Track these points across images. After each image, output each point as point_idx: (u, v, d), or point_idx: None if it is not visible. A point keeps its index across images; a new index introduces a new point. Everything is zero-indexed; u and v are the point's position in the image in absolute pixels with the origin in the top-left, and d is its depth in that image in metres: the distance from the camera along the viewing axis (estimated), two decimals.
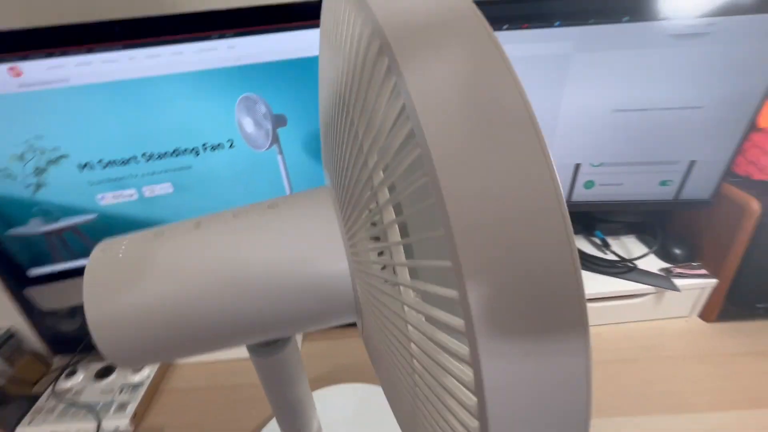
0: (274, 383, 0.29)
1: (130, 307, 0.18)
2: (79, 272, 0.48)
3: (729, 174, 0.50)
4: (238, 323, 0.19)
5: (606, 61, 0.44)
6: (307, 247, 0.19)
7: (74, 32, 0.36)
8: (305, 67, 0.43)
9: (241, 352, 0.54)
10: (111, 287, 0.18)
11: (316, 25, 0.41)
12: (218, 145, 0.45)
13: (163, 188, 0.46)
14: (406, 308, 0.15)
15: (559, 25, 0.42)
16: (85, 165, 0.43)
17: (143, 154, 0.44)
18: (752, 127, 0.46)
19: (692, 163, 0.50)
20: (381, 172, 0.14)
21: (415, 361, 0.15)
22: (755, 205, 0.49)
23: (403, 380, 0.16)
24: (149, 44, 0.38)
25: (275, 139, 0.47)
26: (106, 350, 0.19)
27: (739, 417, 0.45)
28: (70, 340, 0.60)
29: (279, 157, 0.48)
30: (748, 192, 0.50)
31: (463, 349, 0.11)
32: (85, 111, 0.40)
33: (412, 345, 0.14)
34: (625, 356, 0.53)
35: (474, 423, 0.12)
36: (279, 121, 0.45)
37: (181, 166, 0.45)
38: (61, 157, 0.41)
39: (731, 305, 0.54)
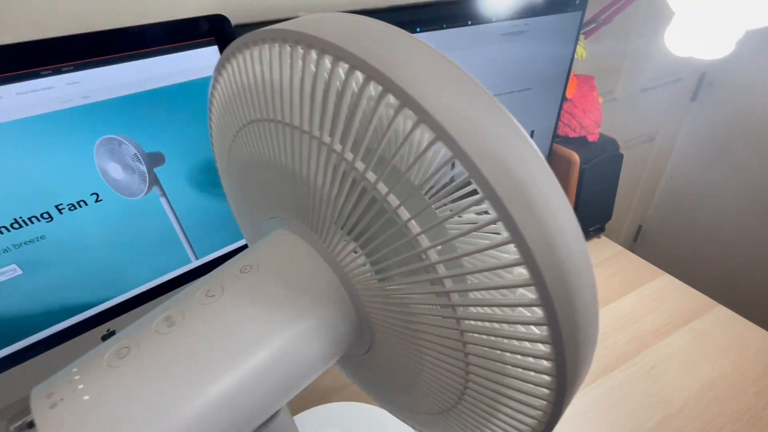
0: None
1: None
2: None
3: (555, 136, 0.65)
4: (252, 417, 0.17)
5: (459, 59, 0.50)
6: (313, 301, 0.18)
7: None
8: (175, 94, 0.38)
9: None
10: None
11: (184, 47, 0.36)
12: (78, 202, 0.37)
13: (6, 273, 0.35)
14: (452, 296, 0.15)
15: (420, 31, 0.47)
16: None
17: None
18: (563, 98, 0.60)
19: (532, 133, 0.62)
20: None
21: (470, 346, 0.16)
22: (575, 157, 0.64)
23: (446, 378, 0.18)
24: None
25: (153, 181, 0.40)
26: None
27: (600, 315, 0.60)
28: None
29: (162, 200, 0.42)
30: (569, 148, 0.65)
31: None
32: None
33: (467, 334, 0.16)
34: None
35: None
36: (155, 160, 0.39)
37: (29, 238, 0.35)
38: None
39: None
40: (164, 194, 0.41)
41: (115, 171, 0.37)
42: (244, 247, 0.50)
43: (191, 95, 0.38)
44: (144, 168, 0.39)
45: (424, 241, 0.15)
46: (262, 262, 0.19)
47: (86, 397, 0.14)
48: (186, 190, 0.42)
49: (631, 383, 0.50)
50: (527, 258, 0.12)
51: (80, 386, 0.15)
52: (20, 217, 0.34)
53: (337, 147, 0.15)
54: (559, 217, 0.13)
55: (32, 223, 0.35)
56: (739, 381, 0.49)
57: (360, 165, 0.15)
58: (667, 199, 1.25)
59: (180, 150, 0.40)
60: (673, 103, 1.05)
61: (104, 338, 0.44)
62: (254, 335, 0.17)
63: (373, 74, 0.13)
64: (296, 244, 0.19)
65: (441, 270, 0.15)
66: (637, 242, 1.33)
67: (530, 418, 0.17)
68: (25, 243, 0.35)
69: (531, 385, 0.16)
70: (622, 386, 0.50)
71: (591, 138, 0.66)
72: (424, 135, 0.13)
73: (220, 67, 0.22)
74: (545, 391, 0.16)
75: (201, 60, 0.38)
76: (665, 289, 0.63)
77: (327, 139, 0.15)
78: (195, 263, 0.47)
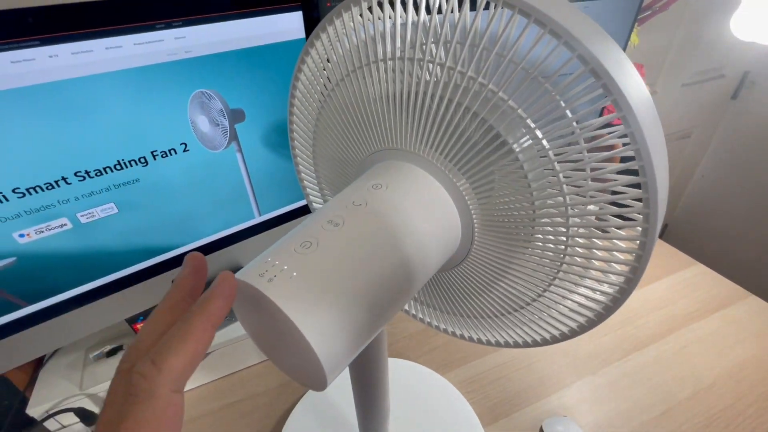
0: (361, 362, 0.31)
1: (338, 315, 0.18)
2: None
3: None
4: (409, 288, 0.22)
5: None
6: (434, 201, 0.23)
7: None
8: (262, 55, 0.40)
9: (201, 379, 0.51)
10: (315, 305, 0.18)
11: (274, 11, 0.39)
12: (170, 150, 0.40)
13: (105, 210, 0.39)
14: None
15: None
16: None
17: (76, 173, 0.36)
18: None
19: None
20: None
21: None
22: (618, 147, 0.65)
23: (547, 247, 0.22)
24: (76, 37, 0.31)
25: (233, 137, 0.43)
26: (331, 369, 0.18)
27: (631, 297, 0.62)
28: None
29: (238, 156, 0.45)
30: None
31: None
32: None
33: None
34: None
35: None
36: (236, 116, 0.42)
37: (126, 180, 0.39)
38: None
39: None
40: (240, 150, 0.44)
41: (203, 124, 0.41)
42: (303, 207, 0.53)
43: (276, 57, 0.41)
44: (227, 123, 0.42)
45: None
46: (389, 182, 0.23)
47: (294, 274, 0.18)
48: (259, 148, 0.45)
49: (662, 360, 0.53)
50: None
51: (285, 267, 0.18)
52: (122, 159, 0.38)
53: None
54: (642, 87, 0.18)
55: (131, 166, 0.38)
56: None
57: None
58: (695, 200, 1.24)
59: (259, 109, 0.43)
60: (713, 100, 1.05)
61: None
62: (401, 227, 0.21)
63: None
64: (406, 166, 0.24)
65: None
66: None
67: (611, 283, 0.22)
68: (123, 184, 0.39)
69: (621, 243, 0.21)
70: (654, 362, 0.52)
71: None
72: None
73: (328, 21, 0.25)
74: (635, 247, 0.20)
75: (288, 23, 0.40)
76: (697, 278, 0.64)
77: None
78: (258, 219, 0.51)
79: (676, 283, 0.63)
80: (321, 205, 0.35)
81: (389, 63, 0.23)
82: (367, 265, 0.20)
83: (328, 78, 0.27)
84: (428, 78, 0.22)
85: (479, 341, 0.31)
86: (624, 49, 0.57)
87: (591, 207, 0.21)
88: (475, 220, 0.24)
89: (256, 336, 0.22)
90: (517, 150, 0.21)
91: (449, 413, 0.48)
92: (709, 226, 1.22)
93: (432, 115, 0.22)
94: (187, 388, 0.52)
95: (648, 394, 0.49)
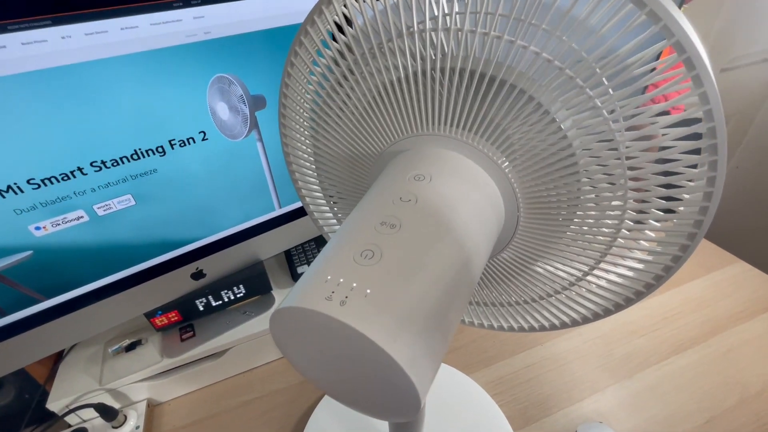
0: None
1: (421, 330, 0.16)
2: (7, 334, 0.37)
3: None
4: (472, 285, 0.20)
5: None
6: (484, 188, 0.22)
7: None
8: (284, 36, 0.38)
9: (219, 375, 0.50)
10: (399, 324, 0.15)
11: None
12: (188, 139, 0.38)
13: (122, 202, 0.37)
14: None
15: None
16: (8, 189, 0.32)
17: (92, 163, 0.34)
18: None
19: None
20: None
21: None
22: None
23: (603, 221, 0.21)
24: (89, 17, 0.29)
25: (254, 125, 0.41)
26: (424, 392, 0.16)
27: (669, 297, 0.58)
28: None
29: (258, 145, 0.43)
30: None
31: None
32: (1, 115, 0.29)
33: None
34: None
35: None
36: (257, 103, 0.40)
37: (144, 170, 0.37)
38: None
39: None
40: (261, 139, 0.42)
41: (222, 111, 0.38)
42: None
43: None
44: (247, 110, 0.39)
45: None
46: (431, 171, 0.21)
47: (368, 291, 0.16)
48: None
49: (705, 364, 0.49)
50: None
51: (354, 284, 0.16)
52: (139, 149, 0.36)
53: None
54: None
55: (148, 155, 0.36)
56: None
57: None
58: (728, 192, 1.19)
59: None
60: (753, 86, 0.98)
61: (193, 276, 0.47)
62: (458, 220, 0.20)
63: None
64: (441, 152, 0.22)
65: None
66: None
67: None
68: (140, 174, 0.37)
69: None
70: (696, 366, 0.49)
71: (674, 112, 0.62)
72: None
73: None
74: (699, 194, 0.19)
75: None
76: (740, 276, 0.60)
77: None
78: (278, 211, 0.49)
79: (718, 282, 0.60)
80: (321, 207, 0.33)
81: (416, 36, 0.20)
82: (437, 269, 0.17)
83: (334, 65, 0.24)
84: (456, 51, 0.20)
85: (510, 329, 0.30)
86: None
87: (649, 170, 0.20)
88: (520, 203, 0.23)
89: (312, 371, 0.19)
90: (562, 123, 0.19)
91: (478, 415, 0.45)
92: (746, 221, 1.17)
93: (464, 93, 0.21)
94: (205, 385, 0.51)
95: (690, 401, 0.46)
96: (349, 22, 0.23)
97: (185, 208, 0.41)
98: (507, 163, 0.22)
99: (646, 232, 0.22)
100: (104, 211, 0.37)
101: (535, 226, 0.24)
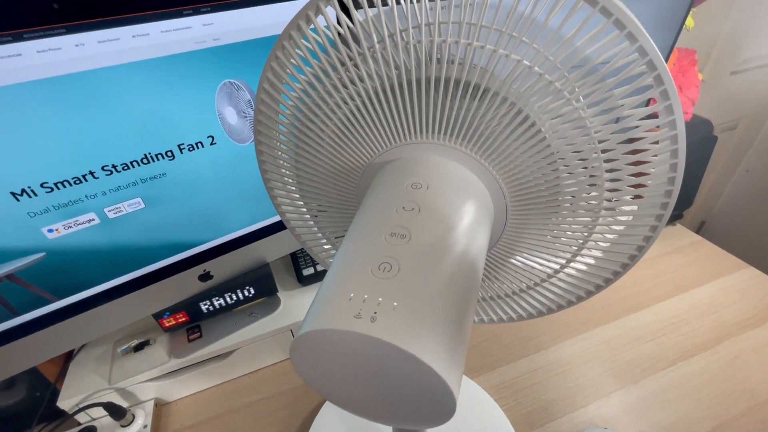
0: None
1: (448, 334, 0.16)
2: (20, 333, 0.38)
3: None
4: (478, 285, 0.21)
5: None
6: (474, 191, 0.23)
7: None
8: None
9: (225, 376, 0.50)
10: (430, 333, 0.16)
11: None
12: (197, 143, 0.38)
13: (132, 205, 0.38)
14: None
15: None
16: (22, 192, 0.32)
17: (103, 167, 0.35)
18: None
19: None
20: None
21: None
22: None
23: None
24: (102, 25, 0.29)
25: None
26: (457, 396, 0.16)
27: (675, 302, 0.58)
28: (7, 419, 0.47)
29: None
30: None
31: None
32: (15, 121, 0.30)
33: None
34: None
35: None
36: None
37: (153, 174, 0.38)
38: None
39: None
40: None
41: (231, 115, 0.39)
42: None
43: None
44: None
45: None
46: (427, 179, 0.22)
47: (395, 304, 0.16)
48: None
49: (711, 371, 0.49)
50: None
51: (379, 299, 0.16)
52: (149, 153, 0.36)
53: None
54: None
55: (158, 159, 0.37)
56: None
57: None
58: (737, 197, 1.17)
59: None
60: (764, 89, 0.97)
61: (201, 278, 0.47)
62: (460, 225, 0.20)
63: None
64: (432, 159, 0.23)
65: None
66: None
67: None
68: (150, 178, 0.38)
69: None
70: (703, 373, 0.49)
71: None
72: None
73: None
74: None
75: None
76: (749, 282, 0.60)
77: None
78: None
79: (725, 287, 0.59)
80: (301, 221, 0.33)
81: (409, 40, 0.21)
82: (452, 275, 0.18)
83: (316, 81, 0.24)
84: (447, 60, 0.21)
85: (500, 320, 0.32)
86: (678, 32, 0.53)
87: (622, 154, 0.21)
88: (508, 201, 0.24)
89: (339, 392, 0.19)
90: (545, 131, 0.21)
91: (482, 419, 0.46)
92: (756, 226, 1.15)
93: (455, 102, 0.22)
94: (211, 385, 0.51)
95: (696, 408, 0.46)
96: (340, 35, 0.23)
97: (193, 210, 0.42)
98: (492, 165, 0.23)
99: (623, 205, 0.24)
100: (115, 214, 0.37)
101: (521, 222, 0.25)
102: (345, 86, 0.23)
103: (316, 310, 0.17)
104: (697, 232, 1.28)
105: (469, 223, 0.21)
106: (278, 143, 0.28)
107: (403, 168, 0.23)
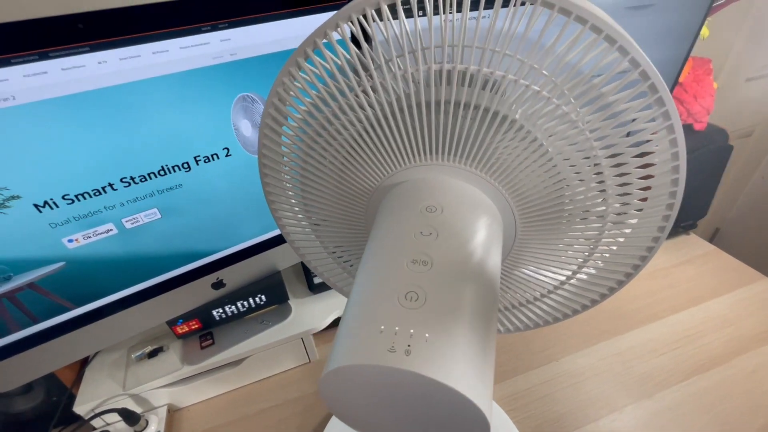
0: None
1: (478, 360, 0.17)
2: (39, 340, 0.39)
3: None
4: (498, 299, 0.21)
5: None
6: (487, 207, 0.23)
7: (19, 32, 0.27)
8: None
9: (237, 383, 0.51)
10: (463, 362, 0.16)
11: (320, 9, 0.37)
12: (213, 155, 0.39)
13: (149, 216, 0.39)
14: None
15: None
16: (45, 204, 0.33)
17: (122, 179, 0.36)
18: (676, 83, 0.56)
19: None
20: None
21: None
22: None
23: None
24: (124, 43, 0.30)
25: None
26: (488, 410, 0.16)
27: (690, 314, 0.57)
28: (25, 423, 0.48)
29: None
30: None
31: None
32: (40, 135, 0.31)
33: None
34: None
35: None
36: None
37: (170, 185, 0.38)
38: (12, 198, 0.32)
39: None
40: None
41: (246, 128, 0.39)
42: None
43: None
44: None
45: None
46: (440, 202, 0.22)
47: (426, 335, 0.16)
48: None
49: (728, 386, 0.48)
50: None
51: (411, 331, 0.16)
52: (166, 165, 0.37)
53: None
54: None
55: (175, 171, 0.38)
56: None
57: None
58: (753, 205, 1.15)
59: None
60: None
61: (214, 286, 0.48)
62: (477, 247, 0.21)
63: None
64: (443, 180, 0.23)
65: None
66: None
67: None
68: (167, 189, 0.38)
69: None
70: (719, 387, 0.48)
71: (698, 126, 0.61)
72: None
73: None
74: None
75: None
76: (766, 294, 0.58)
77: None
78: None
79: (742, 299, 0.58)
80: (306, 238, 0.32)
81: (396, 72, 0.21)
82: (477, 300, 0.18)
83: (322, 105, 0.24)
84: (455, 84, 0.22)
85: (507, 331, 0.33)
86: (693, 42, 0.52)
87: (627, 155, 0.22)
88: (517, 220, 0.24)
89: (368, 423, 0.19)
90: (551, 150, 0.22)
91: (492, 431, 0.45)
92: (766, 233, 1.13)
93: (465, 124, 0.22)
94: (223, 392, 0.52)
95: (712, 424, 0.45)
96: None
97: (208, 220, 0.43)
98: (502, 185, 0.23)
99: (629, 218, 0.24)
100: (132, 224, 0.38)
101: (529, 237, 0.26)
102: (353, 109, 0.24)
103: (346, 344, 0.17)
104: (711, 240, 1.26)
105: (487, 246, 0.21)
106: (283, 165, 0.28)
107: (415, 191, 0.23)
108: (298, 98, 0.25)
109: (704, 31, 0.53)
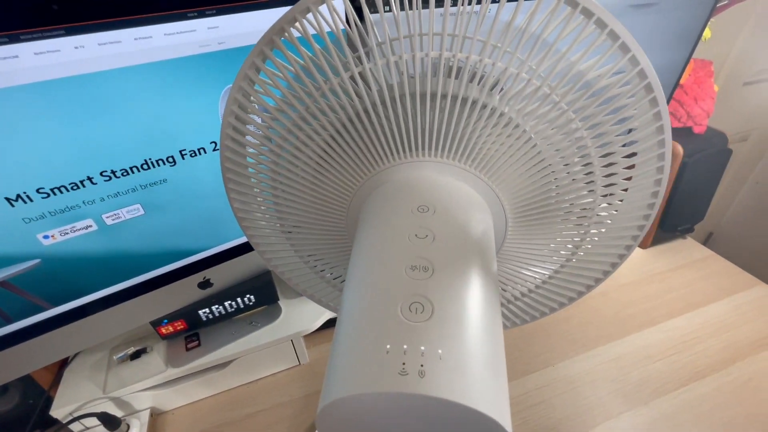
0: None
1: (493, 372, 0.15)
2: (14, 340, 0.37)
3: None
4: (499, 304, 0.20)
5: None
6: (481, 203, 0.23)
7: None
8: None
9: (223, 386, 0.49)
10: (479, 377, 0.14)
11: None
12: (199, 149, 0.37)
13: (131, 212, 0.37)
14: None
15: None
16: (17, 197, 0.31)
17: (102, 173, 0.34)
18: (677, 85, 0.55)
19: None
20: None
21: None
22: (679, 149, 0.59)
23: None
24: (104, 27, 0.28)
25: None
26: (506, 421, 0.15)
27: (687, 319, 0.56)
28: (1, 425, 0.46)
29: None
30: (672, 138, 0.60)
31: None
32: (11, 124, 0.29)
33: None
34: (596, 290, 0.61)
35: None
36: None
37: (154, 180, 0.36)
38: None
39: (661, 231, 0.67)
40: None
41: None
42: None
43: None
44: None
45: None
46: (432, 201, 0.21)
47: (439, 351, 0.14)
48: None
49: (725, 393, 0.47)
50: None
51: (422, 348, 0.14)
52: (150, 159, 0.35)
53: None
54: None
55: (159, 165, 0.36)
56: None
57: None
58: (746, 210, 1.15)
59: None
60: None
61: (200, 285, 0.46)
62: (474, 247, 0.20)
63: None
64: (431, 178, 0.22)
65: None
66: None
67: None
68: (150, 184, 0.36)
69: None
70: (716, 395, 0.47)
71: (697, 130, 0.61)
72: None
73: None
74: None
75: None
76: (764, 300, 0.58)
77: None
78: None
79: (739, 305, 0.57)
80: (277, 245, 0.30)
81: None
82: (481, 304, 0.17)
83: (296, 102, 0.22)
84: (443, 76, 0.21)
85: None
86: (696, 44, 0.51)
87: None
88: (507, 217, 0.24)
89: None
90: (540, 146, 0.21)
91: None
92: (764, 239, 1.13)
93: (453, 117, 0.21)
94: (209, 395, 0.50)
95: None
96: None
97: (194, 217, 0.41)
98: (492, 180, 0.23)
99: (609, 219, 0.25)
100: (113, 220, 0.36)
101: (519, 234, 0.25)
102: (321, 113, 0.22)
103: (346, 369, 0.14)
104: (704, 243, 1.26)
105: (484, 246, 0.20)
106: (250, 167, 0.26)
107: (403, 190, 0.21)
108: (267, 95, 0.23)
109: (706, 33, 0.52)
